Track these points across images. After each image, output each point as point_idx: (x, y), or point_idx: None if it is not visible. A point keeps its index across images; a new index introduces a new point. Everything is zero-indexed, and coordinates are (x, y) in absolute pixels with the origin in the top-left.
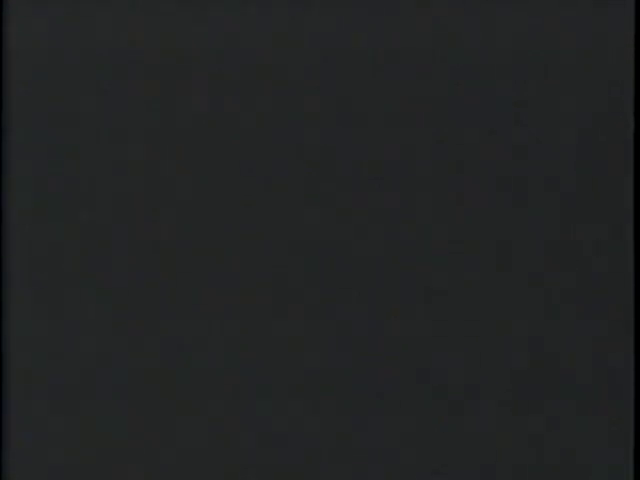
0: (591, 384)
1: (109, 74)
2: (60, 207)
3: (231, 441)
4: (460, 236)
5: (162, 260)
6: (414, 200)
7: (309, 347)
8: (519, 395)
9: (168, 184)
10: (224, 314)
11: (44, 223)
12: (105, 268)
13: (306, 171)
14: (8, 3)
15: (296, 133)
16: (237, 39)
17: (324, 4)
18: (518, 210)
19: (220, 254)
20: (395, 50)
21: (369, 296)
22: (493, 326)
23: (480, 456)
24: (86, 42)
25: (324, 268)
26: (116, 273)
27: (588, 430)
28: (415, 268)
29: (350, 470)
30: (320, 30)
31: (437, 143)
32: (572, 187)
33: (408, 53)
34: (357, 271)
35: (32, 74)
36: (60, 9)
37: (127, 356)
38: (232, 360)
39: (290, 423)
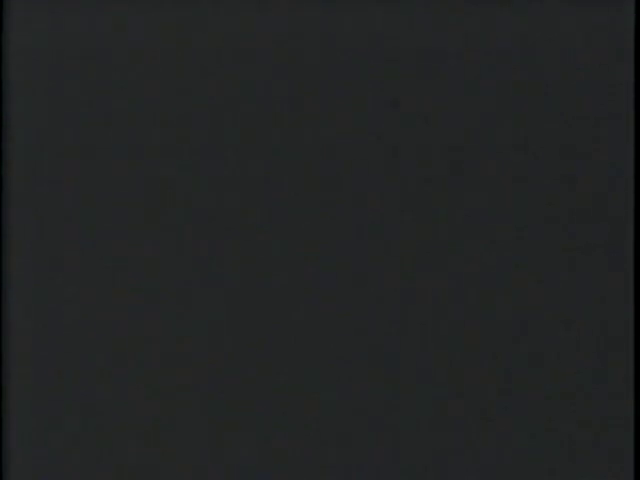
0: (591, 387)
1: (109, 74)
2: (60, 208)
3: (231, 442)
4: (458, 237)
5: (162, 260)
6: (414, 199)
7: (308, 351)
8: (518, 397)
9: (168, 183)
10: (224, 315)
11: (44, 223)
12: (105, 269)
13: (305, 170)
14: (8, 3)
15: (296, 134)
16: (237, 39)
17: (324, 4)
18: (517, 211)
19: (220, 254)
20: (395, 50)
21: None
22: (492, 327)
23: (478, 456)
24: (86, 42)
25: (323, 273)
26: (116, 273)
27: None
28: (413, 274)
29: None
30: (320, 30)
31: (434, 142)
32: (572, 187)
33: (409, 54)
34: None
35: (32, 74)
36: (60, 9)
37: (127, 356)
38: (232, 362)
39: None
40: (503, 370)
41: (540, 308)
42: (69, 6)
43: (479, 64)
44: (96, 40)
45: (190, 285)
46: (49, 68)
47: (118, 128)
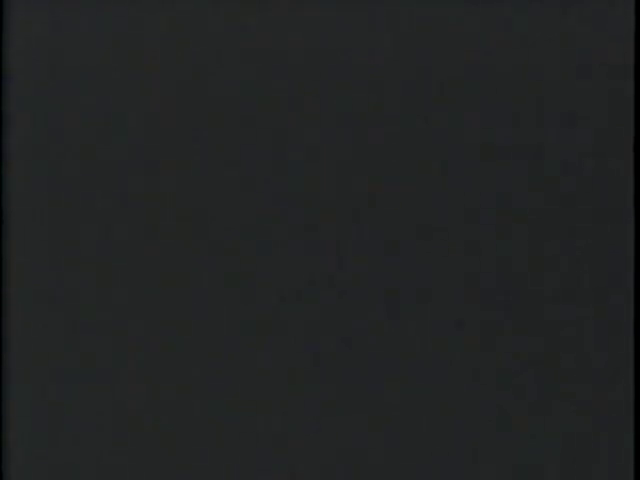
0: (591, 386)
1: (109, 74)
2: (60, 208)
3: (231, 442)
4: (459, 235)
5: (162, 261)
6: (413, 205)
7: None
8: (518, 396)
9: (169, 185)
10: (224, 315)
11: (44, 223)
12: (105, 269)
13: (306, 170)
14: (8, 3)
15: (296, 134)
16: (238, 39)
17: (324, 4)
18: (517, 211)
19: (221, 254)
20: (395, 50)
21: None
22: (492, 326)
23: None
24: (86, 42)
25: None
26: (116, 273)
27: (587, 431)
28: (412, 272)
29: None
30: (320, 30)
31: (434, 143)
32: (572, 188)
33: (408, 53)
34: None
35: (32, 74)
36: (60, 9)
37: (127, 357)
38: (232, 362)
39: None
40: (503, 370)
41: (540, 307)
42: (69, 6)
43: (477, 64)
44: (96, 40)
45: (190, 285)
46: (49, 68)
47: (118, 128)
